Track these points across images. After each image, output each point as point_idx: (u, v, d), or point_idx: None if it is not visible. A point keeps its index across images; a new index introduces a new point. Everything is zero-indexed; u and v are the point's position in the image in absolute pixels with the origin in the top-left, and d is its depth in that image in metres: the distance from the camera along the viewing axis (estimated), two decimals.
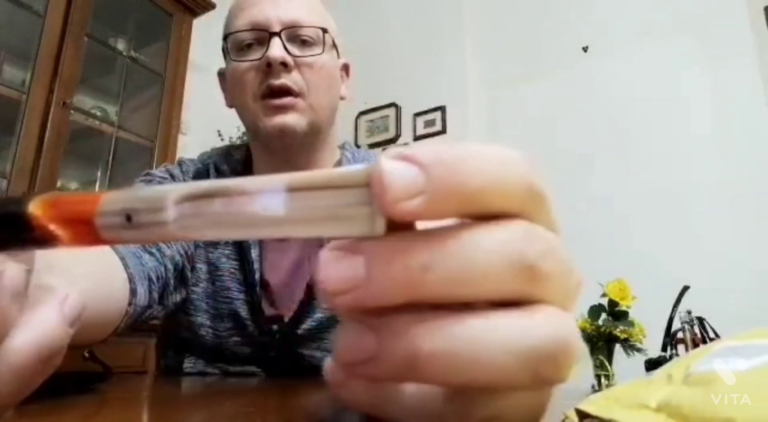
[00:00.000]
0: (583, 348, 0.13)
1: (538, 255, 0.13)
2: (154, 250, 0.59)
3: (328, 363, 0.15)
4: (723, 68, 1.95)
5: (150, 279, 0.55)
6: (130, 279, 0.49)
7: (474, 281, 0.13)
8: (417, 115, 2.51)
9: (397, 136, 2.55)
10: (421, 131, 2.48)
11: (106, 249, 0.48)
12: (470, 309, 0.13)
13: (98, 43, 2.00)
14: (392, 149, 0.13)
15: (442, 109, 2.44)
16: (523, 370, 0.12)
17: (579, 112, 2.18)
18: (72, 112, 1.83)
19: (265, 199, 0.14)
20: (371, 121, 2.65)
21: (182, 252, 0.64)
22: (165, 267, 0.59)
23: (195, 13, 2.28)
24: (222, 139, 2.36)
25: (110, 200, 0.15)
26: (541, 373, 0.12)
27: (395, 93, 2.57)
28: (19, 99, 1.71)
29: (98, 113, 2.03)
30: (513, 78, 2.39)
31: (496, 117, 2.39)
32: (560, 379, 0.13)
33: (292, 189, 0.13)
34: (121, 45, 2.11)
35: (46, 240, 0.16)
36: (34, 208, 0.16)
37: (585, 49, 2.25)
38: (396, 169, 0.13)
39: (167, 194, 0.15)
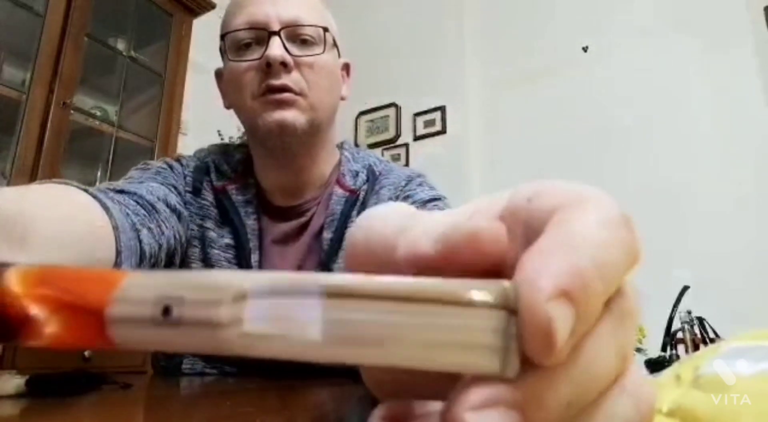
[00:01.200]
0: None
1: (630, 340, 0.13)
2: (153, 226, 0.57)
3: None
4: (723, 68, 1.95)
5: (142, 255, 0.53)
6: (118, 253, 0.47)
7: (596, 389, 0.12)
8: (417, 115, 2.50)
9: (397, 136, 2.55)
10: (421, 131, 2.48)
11: (96, 214, 0.46)
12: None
13: (98, 43, 2.00)
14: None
15: (442, 109, 2.43)
16: None
17: (579, 111, 2.18)
18: (72, 112, 1.83)
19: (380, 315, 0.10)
20: (371, 121, 2.65)
21: (177, 236, 0.62)
22: (159, 246, 0.57)
23: (195, 13, 2.28)
24: (222, 139, 2.36)
25: (138, 283, 0.11)
26: None
27: (395, 93, 2.57)
28: (19, 99, 1.71)
29: (98, 113, 2.03)
30: (513, 78, 2.39)
31: (496, 117, 2.39)
32: None
33: (415, 299, 0.10)
34: (121, 45, 2.10)
35: (17, 331, 0.11)
36: (11, 280, 0.11)
37: (585, 49, 2.25)
38: (558, 313, 0.11)
39: (238, 281, 0.11)
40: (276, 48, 0.62)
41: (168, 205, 0.62)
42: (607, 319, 0.12)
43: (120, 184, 0.60)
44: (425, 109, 2.48)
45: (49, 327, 0.11)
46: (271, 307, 0.11)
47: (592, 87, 2.18)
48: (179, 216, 0.64)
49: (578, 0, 2.32)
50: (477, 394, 0.11)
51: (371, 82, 2.57)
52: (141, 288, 0.11)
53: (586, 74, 2.21)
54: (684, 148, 1.96)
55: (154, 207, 0.59)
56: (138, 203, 0.57)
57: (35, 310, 0.11)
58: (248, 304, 0.11)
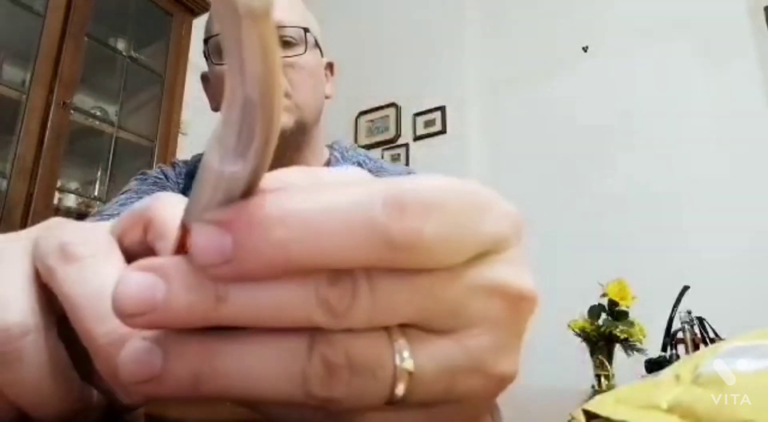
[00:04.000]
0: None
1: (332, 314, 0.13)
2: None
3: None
4: (723, 68, 1.95)
5: None
6: None
7: (269, 317, 0.13)
8: (417, 115, 2.51)
9: (397, 136, 2.55)
10: (421, 131, 2.48)
11: None
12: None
13: (98, 43, 2.00)
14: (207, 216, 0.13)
15: (442, 109, 2.43)
16: (294, 389, 0.13)
17: (579, 111, 2.18)
18: (72, 112, 1.83)
19: None
20: (371, 121, 2.65)
21: None
22: None
23: (195, 13, 2.28)
24: None
25: None
26: (311, 391, 0.13)
27: (395, 93, 2.57)
28: (19, 99, 1.71)
29: (98, 113, 2.03)
30: (513, 78, 2.39)
31: (496, 117, 2.39)
32: (331, 400, 0.13)
33: None
34: (121, 45, 2.10)
35: None
36: None
37: (585, 49, 2.25)
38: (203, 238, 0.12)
39: None
40: None
41: None
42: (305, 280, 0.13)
43: (115, 208, 0.64)
44: (425, 109, 2.48)
45: None
46: None
47: (592, 87, 2.18)
48: None
49: (578, 0, 2.32)
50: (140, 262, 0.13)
51: (371, 82, 2.57)
52: None
53: (586, 74, 2.21)
54: (684, 148, 1.96)
55: None
56: None
57: None
58: None
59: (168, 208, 0.18)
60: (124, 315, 0.12)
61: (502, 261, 0.14)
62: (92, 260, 0.17)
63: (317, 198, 0.13)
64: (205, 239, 0.12)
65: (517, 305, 0.14)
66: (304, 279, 0.13)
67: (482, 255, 0.14)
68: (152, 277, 0.13)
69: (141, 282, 0.13)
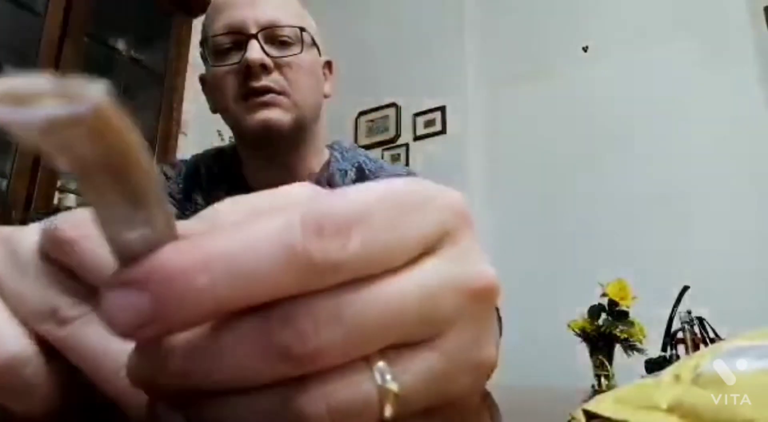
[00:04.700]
0: None
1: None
2: None
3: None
4: (723, 68, 1.95)
5: None
6: None
7: (229, 381, 0.13)
8: (417, 115, 2.50)
9: (397, 136, 2.55)
10: (421, 131, 2.48)
11: None
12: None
13: (98, 43, 2.00)
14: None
15: (442, 109, 2.43)
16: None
17: (579, 111, 2.18)
18: None
19: None
20: (371, 121, 2.65)
21: None
22: None
23: (195, 14, 2.28)
24: (222, 139, 2.36)
25: None
26: None
27: (395, 93, 2.57)
28: None
29: None
30: (513, 78, 2.39)
31: (496, 117, 2.39)
32: None
33: None
34: (121, 45, 2.11)
35: None
36: None
37: (585, 49, 2.25)
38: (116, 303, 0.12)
39: None
40: (254, 51, 0.63)
41: None
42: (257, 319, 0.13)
43: None
44: (425, 109, 2.48)
45: None
46: None
47: (592, 87, 2.18)
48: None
49: (578, 0, 2.32)
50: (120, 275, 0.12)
51: (371, 82, 2.57)
52: None
53: (586, 74, 2.21)
54: (684, 148, 1.96)
55: None
56: None
57: None
58: None
59: (77, 229, 0.17)
60: (124, 336, 0.12)
61: (451, 256, 0.14)
62: (85, 319, 0.17)
63: (235, 235, 0.12)
64: (118, 304, 0.12)
65: (477, 296, 0.14)
66: (258, 336, 0.12)
67: (429, 253, 0.14)
68: (138, 295, 0.12)
69: (126, 306, 0.12)
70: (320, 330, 0.12)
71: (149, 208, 0.12)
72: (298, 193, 0.16)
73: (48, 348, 0.17)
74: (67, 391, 0.17)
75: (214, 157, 0.75)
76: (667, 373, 0.16)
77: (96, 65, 2.00)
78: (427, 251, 0.14)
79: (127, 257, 0.12)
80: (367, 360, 0.13)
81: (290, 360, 0.12)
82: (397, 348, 0.13)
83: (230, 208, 0.15)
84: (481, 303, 0.15)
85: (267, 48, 0.64)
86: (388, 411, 0.13)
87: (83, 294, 0.17)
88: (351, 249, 0.12)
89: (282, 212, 0.13)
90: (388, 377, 0.13)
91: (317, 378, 0.12)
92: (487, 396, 0.51)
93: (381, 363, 0.13)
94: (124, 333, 0.12)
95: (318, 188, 0.16)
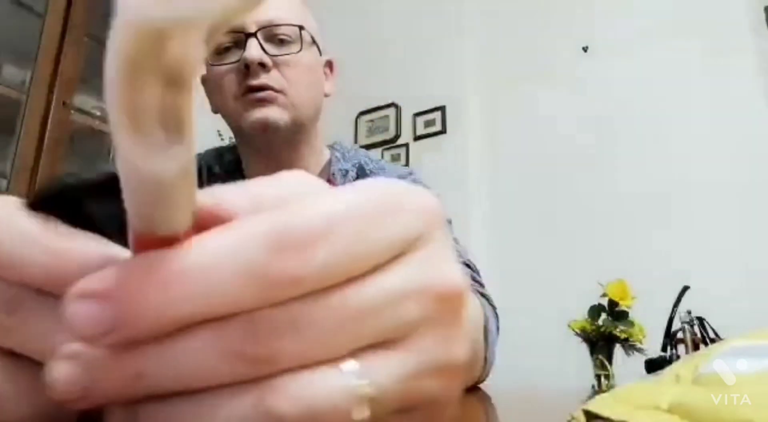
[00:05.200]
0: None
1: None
2: None
3: None
4: (723, 68, 1.95)
5: None
6: None
7: (189, 380, 0.13)
8: (417, 115, 2.50)
9: (397, 136, 2.55)
10: (421, 131, 2.48)
11: None
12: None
13: (98, 43, 2.00)
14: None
15: (442, 109, 2.43)
16: None
17: (579, 111, 2.18)
18: (72, 112, 1.83)
19: None
20: (371, 121, 2.65)
21: None
22: None
23: None
24: (222, 139, 2.36)
25: None
26: None
27: (395, 93, 2.57)
28: (19, 99, 1.71)
29: (98, 113, 2.03)
30: (513, 78, 2.39)
31: (496, 117, 2.39)
32: None
33: None
34: None
35: None
36: None
37: (585, 49, 2.25)
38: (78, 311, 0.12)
39: None
40: (253, 49, 0.63)
41: None
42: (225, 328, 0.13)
43: None
44: (425, 109, 2.48)
45: None
46: None
47: (592, 87, 2.18)
48: None
49: (578, 0, 2.32)
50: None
51: (371, 82, 2.57)
52: None
53: (586, 74, 2.21)
54: (684, 148, 1.96)
55: None
56: None
57: None
58: None
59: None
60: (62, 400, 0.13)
61: (418, 260, 0.14)
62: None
63: (198, 253, 0.12)
64: (80, 314, 0.12)
65: (442, 299, 0.15)
66: (214, 340, 0.12)
67: (397, 257, 0.14)
68: (75, 368, 0.13)
69: (67, 374, 0.13)
70: (275, 336, 0.12)
71: (185, 141, 0.11)
72: (287, 183, 0.16)
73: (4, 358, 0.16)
74: (35, 397, 0.16)
75: (215, 156, 0.75)
76: (667, 373, 0.16)
77: (96, 65, 2.00)
78: (395, 256, 0.14)
79: (148, 195, 0.11)
80: (337, 362, 0.13)
81: (246, 362, 0.12)
82: (370, 349, 0.14)
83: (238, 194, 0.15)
84: (447, 306, 0.15)
85: (266, 46, 0.64)
86: (359, 411, 0.13)
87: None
88: (313, 265, 0.13)
89: (248, 224, 0.13)
90: (358, 377, 0.13)
91: (287, 379, 0.13)
92: (484, 399, 0.51)
93: (351, 364, 0.13)
94: (87, 340, 0.12)
95: (307, 177, 0.16)
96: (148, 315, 0.12)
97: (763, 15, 1.94)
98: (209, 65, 0.67)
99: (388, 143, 2.56)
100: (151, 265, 0.12)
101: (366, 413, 0.13)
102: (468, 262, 0.68)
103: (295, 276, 0.12)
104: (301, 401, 0.13)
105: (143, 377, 0.13)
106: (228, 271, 0.12)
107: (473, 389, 0.55)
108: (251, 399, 0.13)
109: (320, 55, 0.72)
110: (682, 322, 1.21)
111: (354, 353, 0.13)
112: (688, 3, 2.06)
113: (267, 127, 0.64)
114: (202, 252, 0.12)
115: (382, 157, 2.45)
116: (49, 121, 1.73)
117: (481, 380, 0.61)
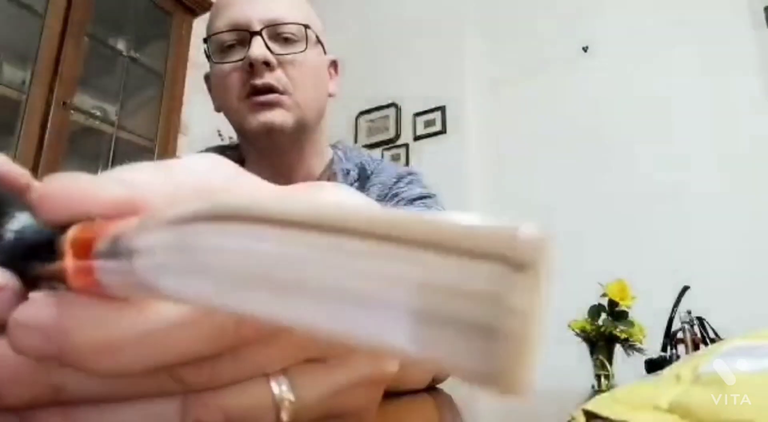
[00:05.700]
0: None
1: None
2: None
3: None
4: (723, 67, 1.95)
5: None
6: None
7: (120, 393, 0.13)
8: (417, 115, 2.50)
9: (397, 136, 2.55)
10: (421, 131, 2.48)
11: None
12: None
13: (98, 43, 2.00)
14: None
15: (442, 109, 2.43)
16: None
17: (579, 111, 2.18)
18: (72, 112, 1.83)
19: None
20: (371, 121, 2.65)
21: None
22: None
23: (195, 13, 2.27)
24: (222, 139, 2.36)
25: (133, 225, 0.11)
26: None
27: (395, 93, 2.57)
28: (19, 99, 1.71)
29: (98, 113, 2.03)
30: (513, 78, 2.39)
31: (496, 117, 2.39)
32: None
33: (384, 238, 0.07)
34: (121, 45, 2.10)
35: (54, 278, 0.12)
36: (75, 229, 0.12)
37: (585, 49, 2.25)
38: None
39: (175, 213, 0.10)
40: (258, 48, 0.62)
41: None
42: None
43: None
44: (425, 109, 2.48)
45: (68, 272, 0.12)
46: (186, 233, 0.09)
47: (592, 87, 2.18)
48: None
49: (578, 0, 2.32)
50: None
51: (371, 82, 2.57)
52: (124, 228, 0.11)
53: (586, 74, 2.21)
54: (684, 148, 1.96)
55: None
56: None
57: (67, 257, 0.12)
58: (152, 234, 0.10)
59: None
60: None
61: None
62: None
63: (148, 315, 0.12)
64: (22, 334, 0.12)
65: None
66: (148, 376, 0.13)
67: None
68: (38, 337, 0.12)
69: (30, 338, 0.12)
70: (211, 363, 0.13)
71: None
72: (204, 170, 0.16)
73: None
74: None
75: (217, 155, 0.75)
76: (667, 373, 0.16)
77: (96, 65, 2.00)
78: None
79: None
80: (268, 377, 0.14)
81: (178, 382, 0.13)
82: (306, 363, 0.14)
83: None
84: None
85: (271, 45, 0.64)
86: (284, 417, 0.14)
87: None
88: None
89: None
90: (285, 388, 0.14)
91: (215, 390, 0.13)
92: (443, 396, 0.51)
93: (281, 377, 0.14)
94: (30, 357, 0.12)
95: (221, 161, 0.17)
96: (89, 359, 0.12)
97: (763, 15, 1.94)
98: (213, 63, 0.67)
99: (388, 143, 2.56)
100: (99, 318, 0.12)
101: (286, 417, 0.14)
102: None
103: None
104: (229, 411, 0.13)
105: (63, 390, 0.12)
106: (175, 337, 0.12)
107: (432, 389, 0.55)
108: (177, 407, 0.13)
109: (325, 54, 0.72)
110: (682, 322, 1.21)
111: (286, 369, 0.14)
112: (689, 3, 2.06)
113: (272, 131, 0.63)
114: (151, 317, 0.12)
115: (382, 157, 2.45)
116: (49, 121, 1.73)
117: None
